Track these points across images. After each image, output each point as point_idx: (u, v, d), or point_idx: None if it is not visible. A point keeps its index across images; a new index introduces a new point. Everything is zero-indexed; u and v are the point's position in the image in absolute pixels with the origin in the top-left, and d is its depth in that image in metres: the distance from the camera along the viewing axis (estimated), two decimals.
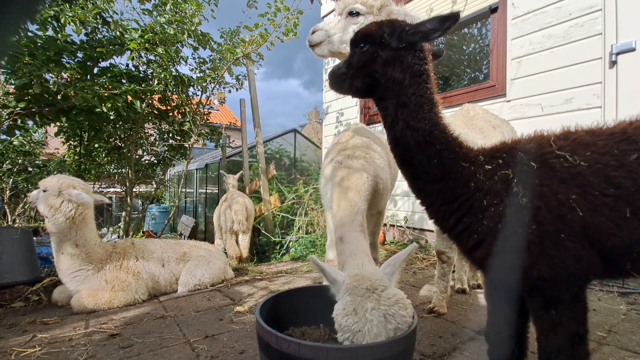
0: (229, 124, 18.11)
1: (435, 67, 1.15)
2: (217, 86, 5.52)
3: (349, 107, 5.56)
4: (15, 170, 5.45)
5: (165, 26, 4.59)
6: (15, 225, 4.52)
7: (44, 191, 2.41)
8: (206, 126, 6.07)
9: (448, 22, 1.01)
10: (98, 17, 4.27)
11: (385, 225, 4.77)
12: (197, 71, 5.49)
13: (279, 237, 5.97)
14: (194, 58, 5.43)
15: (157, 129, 5.63)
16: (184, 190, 10.82)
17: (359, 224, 1.51)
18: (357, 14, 1.81)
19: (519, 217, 0.94)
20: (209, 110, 6.00)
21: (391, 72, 1.07)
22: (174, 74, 4.89)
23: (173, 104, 5.27)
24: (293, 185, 7.08)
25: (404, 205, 4.68)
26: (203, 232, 8.88)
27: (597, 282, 2.59)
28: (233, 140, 12.45)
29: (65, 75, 4.06)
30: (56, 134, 5.15)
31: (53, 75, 3.71)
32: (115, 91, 4.04)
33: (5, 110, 3.55)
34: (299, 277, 3.25)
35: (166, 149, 5.70)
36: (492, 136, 2.20)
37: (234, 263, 4.80)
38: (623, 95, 2.67)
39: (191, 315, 2.26)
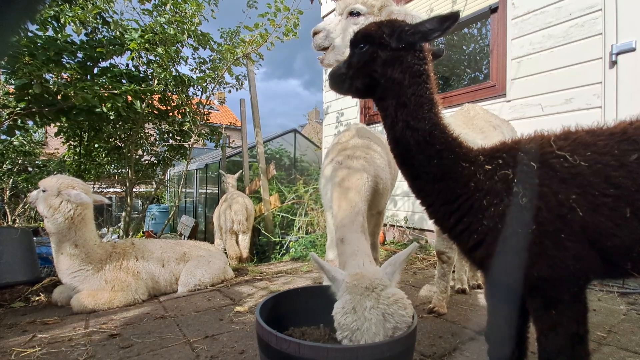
0: (229, 124, 18.11)
1: (435, 67, 1.15)
2: (217, 86, 5.52)
3: (349, 107, 5.57)
4: (15, 170, 5.45)
5: (165, 26, 4.59)
6: (15, 225, 4.52)
7: (44, 191, 2.41)
8: (206, 126, 6.07)
9: (448, 22, 1.01)
10: (98, 17, 4.27)
11: (385, 225, 4.77)
12: (197, 71, 5.50)
13: (279, 237, 5.96)
14: (194, 58, 5.44)
15: (157, 129, 5.63)
16: (184, 190, 10.83)
17: (360, 224, 1.51)
18: (358, 14, 1.81)
19: (519, 217, 0.94)
20: (209, 110, 6.00)
21: (391, 72, 1.07)
22: (174, 74, 4.89)
23: (173, 104, 5.27)
24: (293, 185, 7.08)
25: (404, 205, 4.68)
26: (203, 232, 8.88)
27: (597, 282, 2.59)
28: (233, 140, 12.46)
29: (65, 75, 4.06)
30: (56, 134, 5.15)
31: (53, 75, 3.71)
32: (115, 91, 4.04)
33: (5, 110, 3.55)
34: (299, 277, 3.25)
35: (166, 149, 5.70)
36: (492, 136, 2.20)
37: (234, 263, 4.80)
38: (623, 95, 2.67)
39: (191, 315, 2.26)
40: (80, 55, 4.27)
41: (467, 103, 2.77)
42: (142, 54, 4.63)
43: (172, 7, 4.68)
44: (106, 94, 4.01)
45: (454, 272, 2.51)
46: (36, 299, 2.73)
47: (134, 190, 6.15)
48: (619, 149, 0.91)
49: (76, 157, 5.71)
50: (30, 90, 3.44)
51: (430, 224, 1.86)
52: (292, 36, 4.90)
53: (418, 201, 1.17)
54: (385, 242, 4.65)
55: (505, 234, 0.96)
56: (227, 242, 5.15)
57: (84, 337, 1.91)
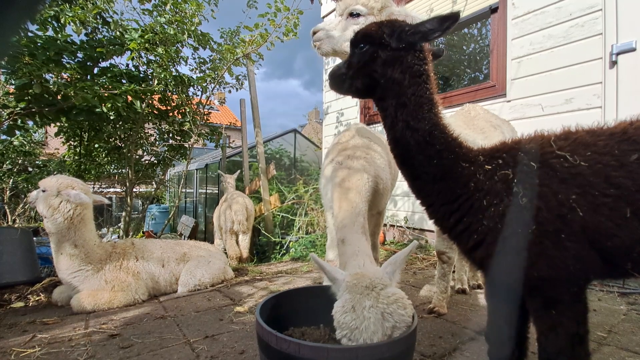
0: (229, 124, 18.11)
1: (435, 67, 1.15)
2: (217, 86, 5.52)
3: (349, 107, 5.57)
4: (15, 170, 5.45)
5: (165, 26, 4.59)
6: (15, 225, 4.52)
7: (43, 191, 2.41)
8: (206, 126, 6.07)
9: (448, 22, 1.01)
10: (98, 17, 4.27)
11: (385, 225, 4.77)
12: (197, 71, 5.49)
13: (279, 237, 5.96)
14: (194, 58, 5.44)
15: (157, 129, 5.63)
16: (184, 190, 10.83)
17: (361, 225, 1.51)
18: (358, 15, 1.81)
19: (519, 217, 0.94)
20: (209, 110, 6.00)
21: (391, 72, 1.07)
22: (174, 74, 4.89)
23: (173, 104, 5.27)
24: (293, 186, 7.07)
25: (404, 206, 4.68)
26: (203, 232, 8.88)
27: (597, 282, 2.59)
28: (233, 141, 12.46)
29: (65, 75, 4.06)
30: (56, 134, 5.15)
31: (53, 75, 3.71)
32: (115, 91, 4.04)
33: (5, 110, 3.55)
34: (299, 278, 3.25)
35: (166, 149, 5.69)
36: (493, 136, 2.20)
37: (234, 263, 4.80)
38: (623, 96, 2.67)
39: (191, 315, 2.26)
40: (80, 55, 4.27)
41: (467, 103, 2.77)
42: (142, 54, 4.63)
43: (172, 7, 4.68)
44: (106, 94, 4.01)
45: (454, 272, 2.51)
46: (36, 299, 2.73)
47: (134, 190, 6.15)
48: (619, 149, 0.91)
49: (76, 157, 5.71)
50: (30, 90, 3.44)
51: (430, 224, 1.86)
52: (292, 36, 4.90)
53: (418, 201, 1.17)
54: (386, 242, 4.65)
55: (505, 234, 0.96)
56: (227, 242, 5.15)
57: (84, 337, 1.91)
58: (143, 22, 4.78)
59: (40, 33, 3.89)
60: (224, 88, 5.76)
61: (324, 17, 5.96)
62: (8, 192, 5.27)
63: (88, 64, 4.42)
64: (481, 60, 4.20)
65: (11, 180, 5.35)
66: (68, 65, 4.05)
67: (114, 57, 4.56)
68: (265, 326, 1.12)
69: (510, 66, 3.43)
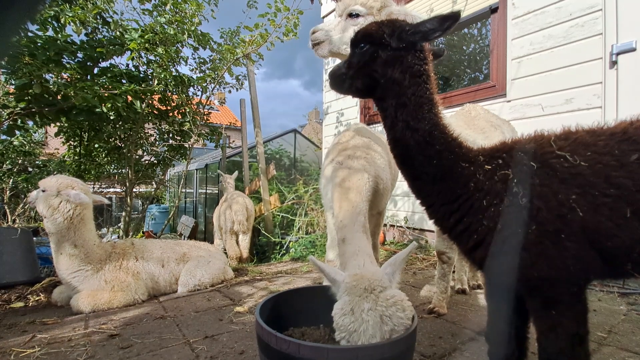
0: (229, 124, 18.10)
1: (435, 68, 1.15)
2: (217, 86, 5.52)
3: (349, 107, 5.56)
4: (15, 170, 5.45)
5: (165, 26, 4.59)
6: (15, 225, 4.52)
7: (43, 191, 2.41)
8: (206, 126, 6.07)
9: (448, 22, 1.01)
10: (98, 17, 4.27)
11: (385, 225, 4.77)
12: (197, 71, 5.49)
13: (279, 237, 5.96)
14: (194, 58, 5.44)
15: (157, 129, 5.63)
16: (184, 190, 10.82)
17: (361, 225, 1.51)
18: (357, 15, 1.81)
19: (519, 217, 0.94)
20: (209, 111, 6.00)
21: (391, 72, 1.07)
22: (174, 74, 4.88)
23: (173, 104, 5.27)
24: (293, 186, 7.07)
25: (404, 206, 4.68)
26: (203, 233, 8.88)
27: (597, 282, 2.59)
28: (233, 141, 12.46)
29: (65, 75, 4.06)
30: (56, 134, 5.15)
31: (53, 75, 3.71)
32: (115, 91, 4.04)
33: (5, 110, 3.55)
34: (299, 278, 3.25)
35: (166, 149, 5.69)
36: (493, 136, 2.20)
37: (234, 263, 4.80)
38: (623, 96, 2.67)
39: (191, 315, 2.26)
40: (80, 55, 4.27)
41: (467, 103, 2.77)
42: (142, 54, 4.63)
43: (172, 7, 4.68)
44: (106, 94, 4.01)
45: (454, 272, 2.51)
46: (36, 299, 2.73)
47: (134, 190, 6.15)
48: (620, 149, 0.91)
49: (76, 157, 5.71)
50: (30, 90, 3.44)
51: (430, 224, 1.86)
52: (292, 36, 4.90)
53: (418, 201, 1.17)
54: (386, 242, 4.65)
55: (505, 234, 0.96)
56: (227, 242, 5.15)
57: (84, 338, 1.91)
58: (143, 22, 4.79)
59: (40, 33, 3.88)
60: (224, 88, 5.77)
61: (324, 18, 5.96)
62: (8, 192, 5.27)
63: (88, 64, 4.41)
64: (481, 61, 4.21)
65: (11, 180, 5.35)
66: (68, 65, 4.05)
67: (114, 57, 4.55)
68: (265, 326, 1.12)
69: (510, 66, 3.43)
